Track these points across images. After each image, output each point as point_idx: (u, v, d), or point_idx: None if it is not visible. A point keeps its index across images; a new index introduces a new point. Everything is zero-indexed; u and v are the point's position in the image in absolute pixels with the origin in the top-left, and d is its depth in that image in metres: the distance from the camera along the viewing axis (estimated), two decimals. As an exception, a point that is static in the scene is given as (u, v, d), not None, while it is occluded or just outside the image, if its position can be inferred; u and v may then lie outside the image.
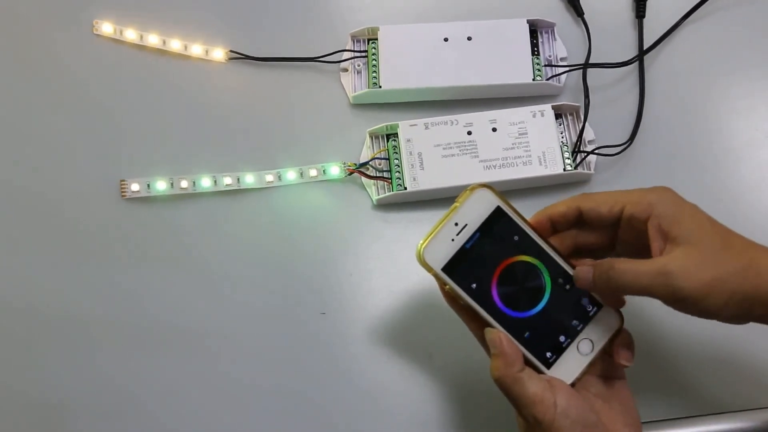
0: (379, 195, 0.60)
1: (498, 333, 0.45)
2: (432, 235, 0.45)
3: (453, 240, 0.45)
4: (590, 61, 0.64)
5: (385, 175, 0.61)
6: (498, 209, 0.46)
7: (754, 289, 0.41)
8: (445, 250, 0.45)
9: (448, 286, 0.46)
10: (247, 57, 0.65)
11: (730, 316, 0.42)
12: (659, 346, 0.57)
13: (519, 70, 0.63)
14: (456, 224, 0.46)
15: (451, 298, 0.47)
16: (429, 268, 0.45)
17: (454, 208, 0.46)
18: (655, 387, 0.56)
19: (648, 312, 0.56)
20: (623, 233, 0.46)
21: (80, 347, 0.58)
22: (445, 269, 0.45)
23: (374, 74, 0.63)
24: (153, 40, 0.65)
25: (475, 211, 0.46)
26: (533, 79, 0.62)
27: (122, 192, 0.61)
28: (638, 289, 0.43)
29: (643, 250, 0.45)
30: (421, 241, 0.45)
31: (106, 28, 0.65)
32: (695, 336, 0.57)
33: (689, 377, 0.56)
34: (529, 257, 0.46)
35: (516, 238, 0.46)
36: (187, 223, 0.61)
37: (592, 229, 0.48)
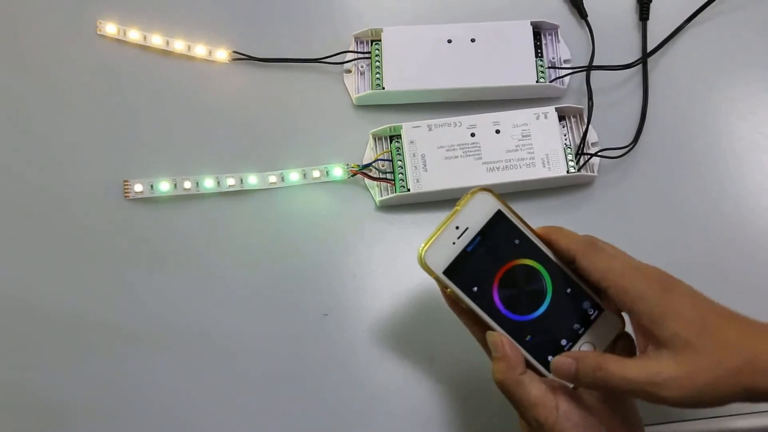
0: (382, 196, 0.60)
1: (500, 336, 0.45)
2: (433, 238, 0.45)
3: (454, 243, 0.46)
4: (594, 64, 0.63)
5: (388, 176, 0.61)
6: (499, 213, 0.46)
7: (748, 390, 0.39)
8: (446, 254, 0.45)
9: (449, 290, 0.46)
10: (251, 58, 0.65)
11: (722, 405, 0.40)
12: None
13: (522, 72, 0.63)
14: (457, 227, 0.46)
15: (453, 301, 0.47)
16: (430, 272, 0.45)
17: (455, 211, 0.46)
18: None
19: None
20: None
21: (82, 348, 0.58)
22: (446, 272, 0.45)
23: (377, 76, 0.63)
24: (156, 40, 0.65)
25: (476, 214, 0.46)
26: (536, 81, 0.62)
27: (125, 192, 0.61)
28: (624, 393, 0.42)
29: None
30: (423, 245, 0.46)
31: (110, 28, 0.66)
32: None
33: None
34: (530, 260, 0.46)
35: (517, 241, 0.46)
36: (190, 223, 0.61)
37: None
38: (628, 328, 0.47)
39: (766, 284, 0.59)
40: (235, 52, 0.65)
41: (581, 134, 0.61)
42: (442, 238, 0.46)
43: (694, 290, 0.43)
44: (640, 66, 0.65)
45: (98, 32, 0.66)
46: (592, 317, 0.47)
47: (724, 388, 0.39)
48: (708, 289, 0.43)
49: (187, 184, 0.61)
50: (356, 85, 0.64)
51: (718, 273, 0.58)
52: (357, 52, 0.65)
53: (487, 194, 0.46)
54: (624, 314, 0.47)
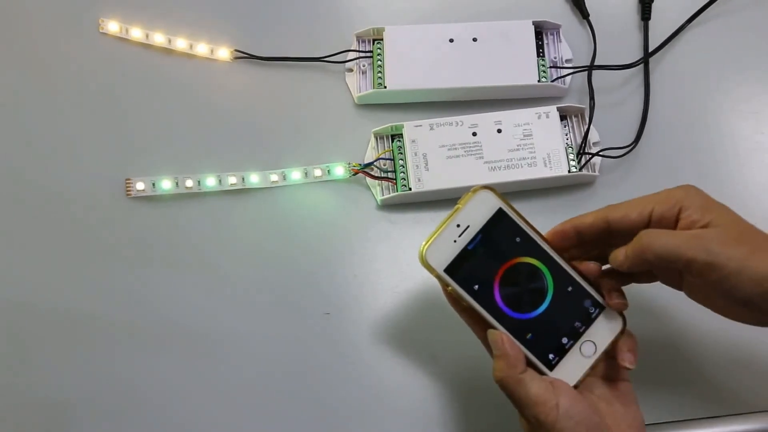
0: (383, 195, 0.60)
1: (500, 334, 0.45)
2: (434, 236, 0.46)
3: (455, 241, 0.46)
4: (595, 63, 0.64)
5: (390, 175, 0.61)
6: (500, 211, 0.46)
7: None
8: (447, 252, 0.46)
9: (450, 288, 0.46)
10: (253, 56, 0.65)
11: (762, 301, 0.41)
12: (662, 348, 0.57)
13: (524, 72, 0.63)
14: (458, 226, 0.46)
15: (454, 299, 0.47)
16: (431, 270, 0.45)
17: (456, 209, 0.46)
18: (659, 389, 0.56)
19: (649, 314, 0.56)
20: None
21: (84, 346, 0.58)
22: (447, 270, 0.45)
23: (379, 75, 0.63)
24: (158, 38, 0.65)
25: (477, 212, 0.46)
26: (538, 81, 0.62)
27: (127, 191, 0.61)
28: (672, 253, 0.42)
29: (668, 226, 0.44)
30: (424, 243, 0.46)
31: (112, 26, 0.66)
32: (698, 337, 0.57)
33: (693, 379, 0.56)
34: (531, 259, 0.47)
35: (518, 239, 0.46)
36: (192, 222, 0.61)
37: (622, 239, 0.46)
38: (630, 324, 0.47)
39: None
40: (237, 50, 0.65)
41: (583, 134, 0.61)
42: (444, 236, 0.46)
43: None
44: (642, 66, 0.65)
45: (100, 30, 0.66)
46: (593, 315, 0.47)
47: (764, 266, 0.40)
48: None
49: (189, 183, 0.61)
50: (358, 84, 0.64)
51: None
52: (359, 51, 0.65)
53: (488, 192, 0.46)
54: (625, 315, 0.48)
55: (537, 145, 0.60)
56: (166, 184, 0.61)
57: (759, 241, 0.42)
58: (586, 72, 0.63)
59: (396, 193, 0.60)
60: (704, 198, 0.44)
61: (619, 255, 0.45)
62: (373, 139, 0.62)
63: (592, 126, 0.61)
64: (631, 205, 0.45)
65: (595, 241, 0.47)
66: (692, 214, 0.43)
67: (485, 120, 0.61)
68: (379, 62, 0.64)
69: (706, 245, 0.41)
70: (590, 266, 0.47)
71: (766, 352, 0.56)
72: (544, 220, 0.48)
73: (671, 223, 0.44)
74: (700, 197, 0.44)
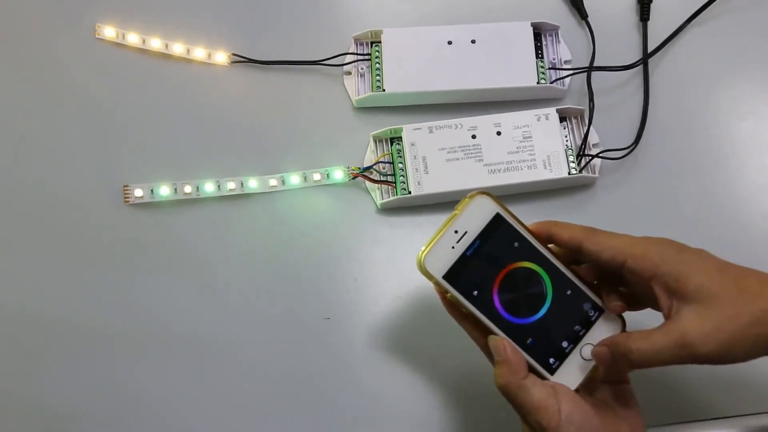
0: (383, 199, 0.60)
1: (502, 340, 0.45)
2: (432, 243, 0.45)
3: (453, 247, 0.45)
4: (594, 64, 0.63)
5: (389, 179, 0.61)
6: (497, 216, 0.46)
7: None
8: (445, 258, 0.45)
9: (449, 294, 0.46)
10: (250, 60, 0.65)
11: (750, 358, 0.41)
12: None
13: (523, 74, 0.62)
14: (456, 232, 0.46)
15: (453, 306, 0.47)
16: (430, 276, 0.45)
17: (453, 215, 0.46)
18: (661, 391, 0.55)
19: (649, 316, 0.56)
20: (625, 277, 0.45)
21: (83, 354, 0.58)
22: (446, 277, 0.45)
23: (378, 78, 0.63)
24: (155, 44, 0.65)
25: (474, 218, 0.46)
26: (537, 83, 0.62)
27: (125, 197, 0.61)
28: (659, 364, 0.42)
29: (644, 291, 0.44)
30: (422, 250, 0.45)
31: (108, 32, 0.65)
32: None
33: (693, 381, 0.56)
34: (530, 263, 0.46)
35: (516, 244, 0.46)
36: (191, 228, 0.61)
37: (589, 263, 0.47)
38: (630, 327, 0.47)
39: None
40: (234, 54, 0.65)
41: (582, 135, 0.61)
42: (441, 242, 0.45)
43: (704, 250, 0.44)
44: (641, 67, 0.64)
45: (97, 36, 0.66)
46: (593, 318, 0.47)
47: (754, 332, 0.40)
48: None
49: (188, 189, 0.60)
50: (356, 87, 0.64)
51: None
52: (357, 54, 0.64)
53: (485, 198, 0.46)
54: (624, 317, 0.47)
55: (537, 147, 0.60)
56: (164, 191, 0.60)
57: (741, 309, 0.41)
58: (586, 73, 0.63)
59: (395, 197, 0.60)
60: (680, 262, 0.43)
61: (605, 359, 0.45)
62: (372, 143, 0.62)
63: (591, 127, 0.61)
64: (606, 245, 0.45)
65: (564, 253, 0.47)
66: (667, 281, 0.42)
67: (484, 122, 0.61)
68: (378, 65, 0.63)
69: (691, 352, 0.41)
70: (588, 270, 0.47)
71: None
72: (544, 222, 0.48)
73: (643, 279, 0.44)
74: (677, 262, 0.43)
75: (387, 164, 0.61)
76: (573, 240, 0.46)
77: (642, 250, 0.44)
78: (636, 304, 0.47)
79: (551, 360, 0.46)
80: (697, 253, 0.44)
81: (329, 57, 0.64)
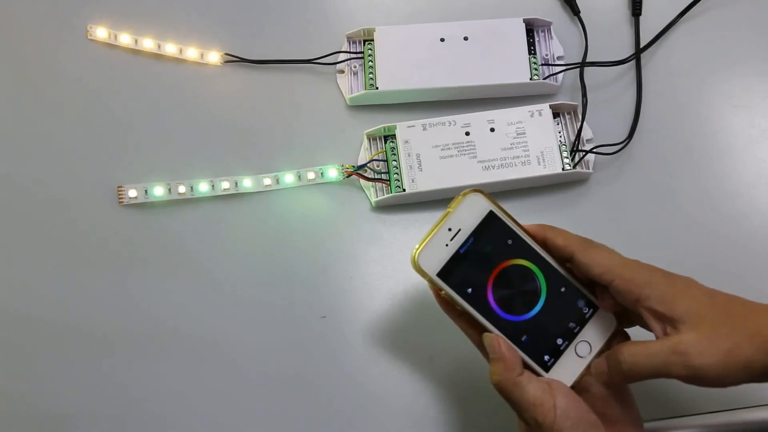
0: (377, 197, 0.60)
1: (497, 337, 0.45)
2: (426, 241, 0.45)
3: (447, 245, 0.45)
4: (587, 60, 0.63)
5: (384, 176, 0.61)
6: (491, 213, 0.46)
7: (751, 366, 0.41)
8: (439, 256, 0.45)
9: (443, 292, 0.46)
10: (243, 60, 0.65)
11: (738, 382, 0.41)
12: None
13: (516, 70, 0.62)
14: (449, 229, 0.46)
15: (447, 304, 0.47)
16: (424, 274, 0.45)
17: (447, 213, 0.46)
18: (656, 385, 0.55)
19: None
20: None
21: (78, 355, 0.58)
22: (440, 275, 0.45)
23: (371, 75, 0.63)
24: (148, 44, 0.65)
25: (468, 215, 0.46)
26: (530, 79, 0.62)
27: (120, 198, 0.61)
28: (654, 372, 0.42)
29: (633, 310, 0.45)
30: (415, 248, 0.46)
31: (101, 33, 0.65)
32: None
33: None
34: (524, 260, 0.47)
35: (510, 241, 0.46)
36: (186, 228, 0.61)
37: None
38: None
39: (763, 278, 0.59)
40: (227, 54, 0.65)
41: (576, 131, 0.61)
42: (435, 240, 0.45)
43: (692, 278, 0.44)
44: (634, 61, 0.64)
45: (89, 37, 0.66)
46: (587, 315, 0.47)
47: (746, 351, 0.40)
48: (704, 283, 0.44)
49: (182, 189, 0.60)
50: (349, 86, 0.64)
51: (714, 268, 0.58)
52: (350, 52, 0.64)
53: (478, 195, 0.46)
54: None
55: (530, 143, 0.60)
56: (158, 191, 0.60)
57: (732, 329, 0.41)
58: (578, 69, 0.63)
59: (390, 195, 0.60)
60: (668, 286, 0.43)
61: (602, 373, 0.46)
62: (365, 141, 0.62)
63: (585, 123, 0.61)
64: (597, 261, 0.45)
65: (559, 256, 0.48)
66: (654, 305, 0.43)
67: (478, 119, 0.61)
68: (371, 63, 0.63)
69: (687, 362, 0.41)
70: None
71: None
72: (538, 218, 0.49)
73: (629, 301, 0.44)
74: (664, 286, 0.43)
75: (381, 162, 0.61)
76: (567, 248, 0.46)
77: (630, 274, 0.44)
78: (628, 321, 0.48)
79: (546, 357, 0.46)
80: (685, 280, 0.44)
81: (322, 55, 0.64)
